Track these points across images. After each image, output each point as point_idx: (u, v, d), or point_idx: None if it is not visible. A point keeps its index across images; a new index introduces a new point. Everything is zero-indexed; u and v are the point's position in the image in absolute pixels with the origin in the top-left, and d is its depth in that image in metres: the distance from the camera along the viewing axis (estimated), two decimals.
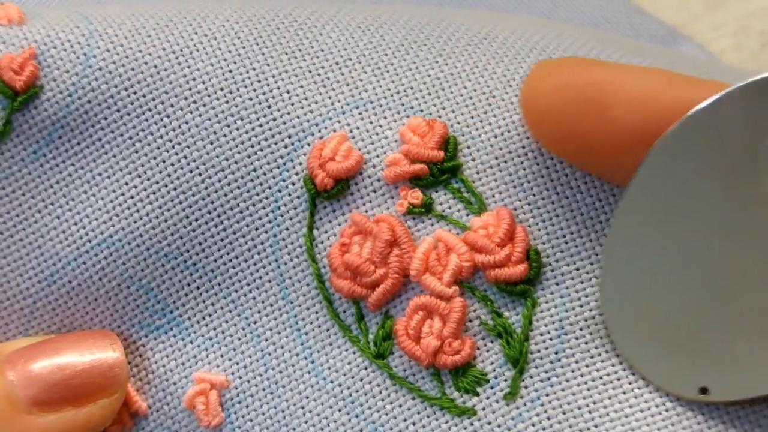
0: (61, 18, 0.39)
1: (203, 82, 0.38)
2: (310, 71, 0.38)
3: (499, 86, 0.37)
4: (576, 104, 0.33)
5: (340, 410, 0.37)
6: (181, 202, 0.38)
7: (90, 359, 0.37)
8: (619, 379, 0.35)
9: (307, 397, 0.37)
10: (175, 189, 0.38)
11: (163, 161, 0.38)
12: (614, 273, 0.35)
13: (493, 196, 0.36)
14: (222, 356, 0.38)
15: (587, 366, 0.35)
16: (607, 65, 0.34)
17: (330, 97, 0.38)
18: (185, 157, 0.38)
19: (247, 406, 0.38)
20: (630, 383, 0.35)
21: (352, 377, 0.37)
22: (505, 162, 0.36)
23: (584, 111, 0.33)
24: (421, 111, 0.37)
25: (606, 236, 0.35)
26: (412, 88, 0.38)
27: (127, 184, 0.38)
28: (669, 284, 0.33)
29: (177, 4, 0.40)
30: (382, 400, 0.36)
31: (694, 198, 0.32)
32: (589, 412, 0.35)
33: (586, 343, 0.35)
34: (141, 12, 0.39)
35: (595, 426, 0.35)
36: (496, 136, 0.37)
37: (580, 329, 0.35)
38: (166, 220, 0.38)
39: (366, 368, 0.36)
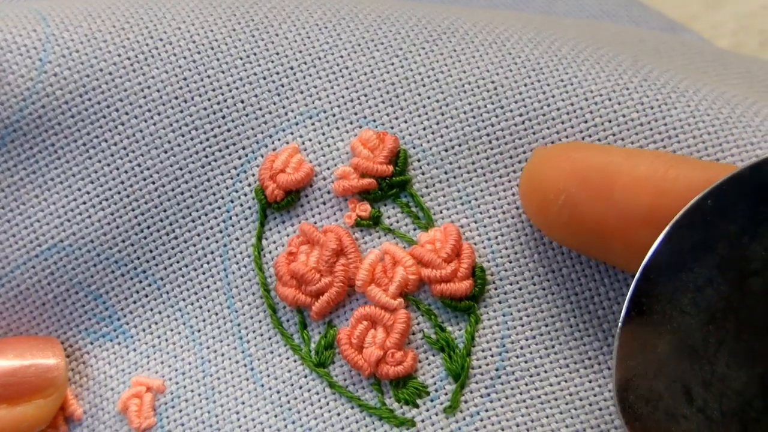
0: (19, 19, 0.39)
1: (158, 91, 0.38)
2: (264, 77, 0.38)
3: (453, 92, 0.38)
4: (579, 189, 0.33)
5: (276, 416, 0.37)
6: (133, 210, 0.38)
7: (30, 361, 0.37)
8: (556, 399, 0.35)
9: (243, 403, 0.37)
10: (128, 196, 0.38)
11: (117, 168, 0.38)
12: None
13: (441, 212, 0.37)
14: (162, 363, 0.38)
15: (526, 384, 0.36)
16: (607, 149, 0.34)
17: (284, 107, 0.38)
18: (139, 165, 0.38)
19: (180, 411, 0.38)
20: (567, 404, 0.35)
21: (291, 385, 0.37)
22: (455, 177, 0.37)
23: (588, 195, 0.33)
24: (374, 121, 0.38)
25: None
26: (365, 95, 0.38)
27: (79, 189, 0.38)
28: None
29: (135, 1, 0.40)
30: (321, 408, 0.36)
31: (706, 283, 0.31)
32: (527, 430, 0.35)
33: (526, 362, 0.36)
34: (99, 11, 0.39)
35: None
36: (446, 150, 0.37)
37: (521, 348, 0.36)
38: (117, 227, 0.38)
39: (306, 376, 0.37)
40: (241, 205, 0.38)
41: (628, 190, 0.32)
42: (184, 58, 0.38)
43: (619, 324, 0.32)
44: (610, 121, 0.36)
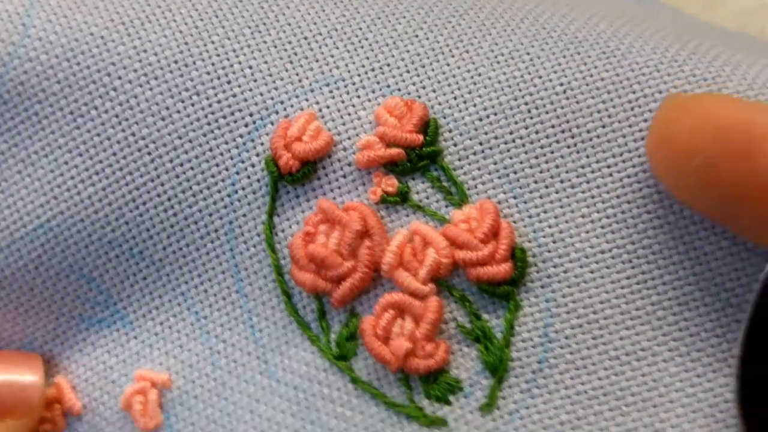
0: None
1: (155, 54, 0.35)
2: (275, 46, 0.36)
3: (485, 62, 0.35)
4: (717, 149, 0.30)
5: (293, 415, 0.34)
6: (127, 184, 0.35)
7: (3, 378, 0.35)
8: (605, 395, 0.33)
9: (258, 400, 0.35)
10: (120, 169, 0.35)
11: (108, 138, 0.35)
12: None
13: (476, 187, 0.35)
14: (167, 353, 0.36)
15: (572, 378, 0.33)
16: (749, 106, 0.31)
17: (297, 74, 0.35)
18: (133, 135, 0.35)
19: (190, 408, 0.35)
20: (617, 400, 0.33)
21: (310, 380, 0.34)
22: (491, 148, 0.34)
23: (726, 157, 0.30)
24: (399, 90, 0.35)
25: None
26: (388, 65, 0.36)
27: (66, 163, 0.36)
28: None
29: None
30: (342, 405, 0.34)
31: None
32: (572, 429, 0.33)
33: (572, 353, 0.34)
34: None
35: None
36: (481, 119, 0.35)
37: (566, 337, 0.34)
38: (110, 204, 0.36)
39: (325, 370, 0.34)
40: (249, 177, 0.35)
41: None
42: (185, 24, 0.36)
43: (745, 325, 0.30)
44: (660, 92, 0.34)
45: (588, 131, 0.34)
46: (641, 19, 0.38)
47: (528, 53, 0.35)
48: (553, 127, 0.34)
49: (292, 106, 0.35)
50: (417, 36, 0.36)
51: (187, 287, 0.36)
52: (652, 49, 0.35)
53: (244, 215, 0.35)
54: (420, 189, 0.35)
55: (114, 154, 0.35)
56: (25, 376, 0.35)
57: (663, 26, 0.37)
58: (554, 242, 0.34)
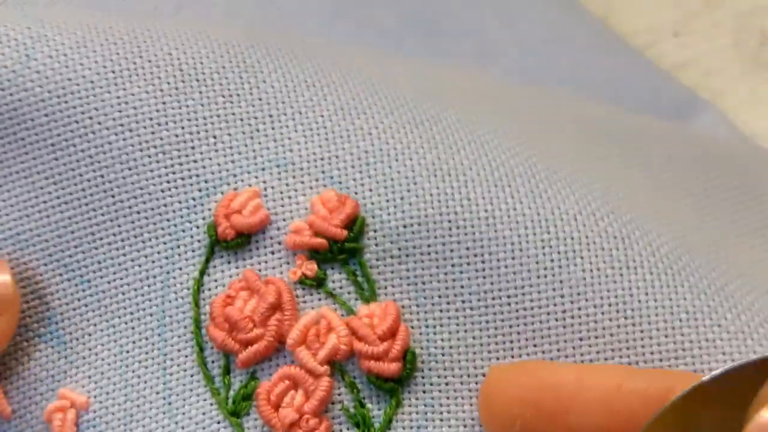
0: (14, 17, 0.40)
1: (134, 108, 0.39)
2: (242, 119, 0.39)
3: (424, 173, 0.39)
4: (533, 416, 0.33)
5: None
6: (89, 218, 0.39)
7: None
8: None
9: None
10: (86, 204, 0.39)
11: (80, 175, 0.39)
12: None
13: (386, 288, 0.38)
14: (89, 378, 0.39)
15: None
16: (559, 369, 0.34)
17: (254, 150, 0.39)
18: (101, 177, 0.39)
19: None
20: None
21: (203, 428, 0.38)
22: (407, 255, 0.38)
23: (542, 422, 0.33)
24: (339, 183, 0.39)
25: None
26: (337, 157, 0.39)
27: (41, 188, 0.40)
28: None
29: (133, 20, 0.41)
30: None
31: None
32: None
33: None
34: (96, 23, 0.41)
35: None
36: (405, 226, 0.38)
37: None
38: (72, 232, 0.40)
39: (219, 422, 0.38)
40: (191, 237, 0.39)
41: (581, 413, 0.33)
42: (168, 83, 0.39)
43: None
44: (572, 239, 0.37)
45: (498, 260, 0.38)
46: (583, 158, 0.42)
47: (465, 174, 0.39)
48: (467, 249, 0.38)
49: (242, 180, 0.39)
50: (371, 134, 0.40)
51: (118, 321, 0.40)
52: (576, 200, 0.38)
53: (180, 269, 0.39)
54: (336, 278, 0.38)
55: (83, 189, 0.39)
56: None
57: (597, 168, 0.41)
58: (443, 355, 0.37)
